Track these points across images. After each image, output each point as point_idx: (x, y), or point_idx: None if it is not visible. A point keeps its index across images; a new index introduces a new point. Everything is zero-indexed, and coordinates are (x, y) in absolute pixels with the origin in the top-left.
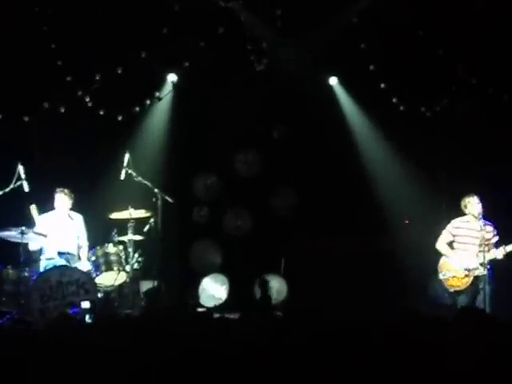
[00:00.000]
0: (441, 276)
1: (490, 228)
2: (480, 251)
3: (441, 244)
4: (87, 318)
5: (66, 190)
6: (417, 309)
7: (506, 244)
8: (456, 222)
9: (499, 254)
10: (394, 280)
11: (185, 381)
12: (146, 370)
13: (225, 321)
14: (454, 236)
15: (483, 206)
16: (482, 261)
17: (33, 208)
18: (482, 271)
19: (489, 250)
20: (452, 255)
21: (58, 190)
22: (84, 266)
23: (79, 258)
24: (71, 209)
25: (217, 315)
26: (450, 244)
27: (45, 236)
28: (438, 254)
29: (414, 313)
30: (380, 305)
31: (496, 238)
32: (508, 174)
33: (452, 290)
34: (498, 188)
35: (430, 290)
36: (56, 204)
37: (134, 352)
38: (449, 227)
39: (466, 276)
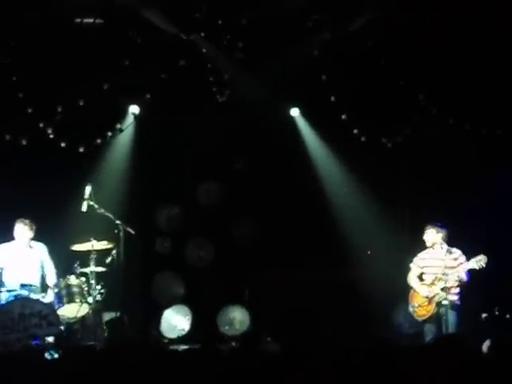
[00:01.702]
0: (410, 308)
1: (455, 254)
2: (439, 278)
3: (411, 278)
4: (51, 352)
5: (26, 221)
6: (388, 337)
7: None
8: (422, 254)
9: (461, 273)
10: (357, 310)
11: None
12: None
13: (188, 353)
14: (421, 268)
15: (448, 234)
16: (442, 286)
17: None
18: (442, 296)
19: (458, 274)
20: (419, 287)
21: (18, 220)
22: (49, 297)
23: (42, 290)
24: (32, 239)
25: (181, 347)
26: (420, 276)
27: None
28: (407, 287)
29: (386, 341)
30: (344, 334)
31: (463, 260)
32: (471, 201)
33: (420, 319)
34: (460, 216)
35: (394, 320)
36: (16, 234)
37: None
38: (415, 260)
39: (429, 304)
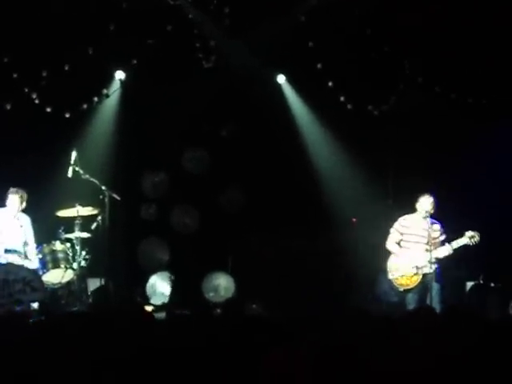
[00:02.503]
0: (390, 276)
1: (436, 227)
2: (427, 250)
3: (390, 243)
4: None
5: (19, 192)
6: (364, 308)
7: (450, 241)
8: (403, 221)
9: (445, 251)
10: (341, 278)
11: (132, 379)
12: (94, 368)
13: (173, 318)
14: (401, 234)
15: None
16: (429, 258)
17: None
18: (429, 269)
19: (435, 248)
20: (401, 254)
21: (11, 189)
22: (33, 264)
23: (26, 257)
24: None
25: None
26: (398, 243)
27: None
28: (387, 253)
29: (362, 312)
30: (327, 302)
31: (443, 237)
32: (455, 171)
33: (401, 288)
34: (446, 185)
35: (376, 289)
36: (7, 203)
37: (81, 350)
38: (396, 225)
39: (416, 274)
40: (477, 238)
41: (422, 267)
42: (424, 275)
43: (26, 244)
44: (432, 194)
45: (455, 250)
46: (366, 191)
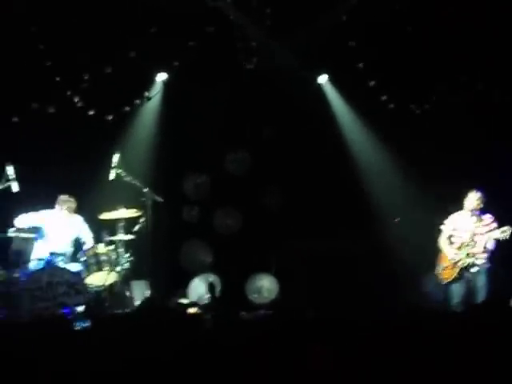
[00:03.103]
0: (436, 270)
1: (486, 221)
2: (467, 243)
3: (442, 240)
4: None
5: (72, 201)
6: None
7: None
8: (453, 216)
9: (489, 242)
10: (387, 278)
11: (177, 379)
12: (138, 369)
13: (216, 320)
14: (452, 230)
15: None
16: (468, 252)
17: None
18: (466, 262)
19: (488, 240)
20: (447, 249)
21: (64, 198)
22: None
23: (72, 260)
24: None
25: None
26: (450, 238)
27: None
28: (435, 251)
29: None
30: (371, 303)
31: (494, 226)
32: (498, 168)
33: (444, 282)
34: (487, 183)
35: (422, 287)
36: (58, 208)
37: (125, 351)
38: (447, 222)
39: (453, 267)
40: (507, 234)
41: (458, 260)
42: (463, 268)
43: (75, 246)
44: (480, 189)
45: (493, 242)
46: (408, 191)
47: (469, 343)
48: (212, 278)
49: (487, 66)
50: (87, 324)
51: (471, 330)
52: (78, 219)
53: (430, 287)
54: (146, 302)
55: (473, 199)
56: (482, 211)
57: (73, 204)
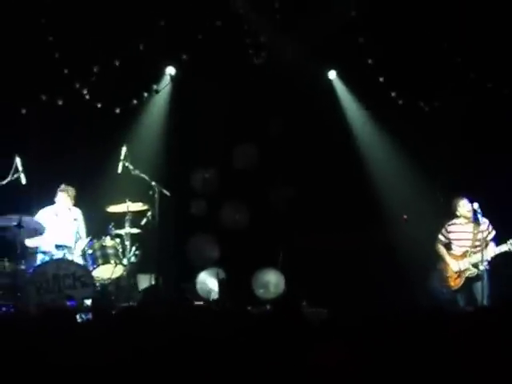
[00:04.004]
0: (442, 275)
1: (483, 227)
2: (470, 252)
3: (439, 248)
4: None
5: (70, 189)
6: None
7: (499, 244)
8: (448, 226)
9: (490, 254)
10: (393, 275)
11: (183, 373)
12: (143, 363)
13: (223, 314)
14: (448, 239)
15: (481, 203)
16: (473, 262)
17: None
18: (473, 272)
19: (486, 247)
20: (447, 257)
21: (62, 187)
22: (77, 253)
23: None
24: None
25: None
26: (448, 245)
27: (41, 234)
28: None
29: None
30: (378, 299)
31: (493, 234)
32: (507, 170)
33: (451, 289)
34: (496, 184)
35: (429, 286)
36: (57, 200)
37: (130, 345)
38: (443, 231)
39: (458, 277)
40: None
41: (464, 270)
42: (468, 278)
43: (78, 239)
44: (468, 198)
45: (497, 256)
46: (417, 188)
47: (473, 343)
48: (220, 272)
49: (498, 63)
50: (89, 317)
51: (477, 330)
52: (78, 212)
53: (435, 285)
54: (149, 293)
55: (466, 206)
56: (476, 214)
57: (72, 192)
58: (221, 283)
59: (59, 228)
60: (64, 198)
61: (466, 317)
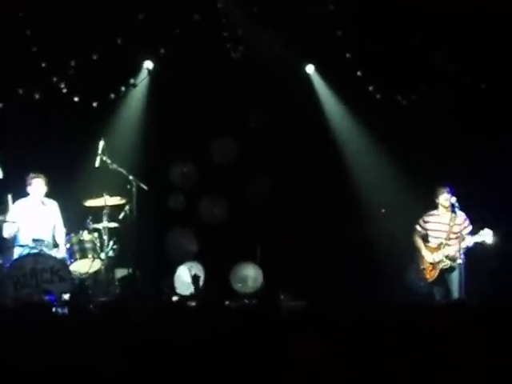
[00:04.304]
0: (420, 266)
1: (460, 219)
2: (445, 244)
3: (416, 239)
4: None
5: (41, 176)
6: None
7: (473, 234)
8: (426, 217)
9: (469, 242)
10: (370, 268)
11: (159, 370)
12: (119, 359)
13: (200, 309)
14: (425, 230)
15: (458, 197)
16: (447, 254)
17: (9, 198)
18: (447, 264)
19: (463, 240)
20: (423, 249)
21: (32, 175)
22: (61, 252)
23: (54, 246)
24: (45, 195)
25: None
26: (426, 236)
27: (13, 222)
28: (413, 248)
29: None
30: (354, 293)
31: (469, 229)
32: (485, 163)
33: (426, 281)
34: (475, 177)
35: (406, 279)
36: (30, 190)
37: (107, 340)
38: (420, 221)
39: (433, 269)
40: (489, 237)
41: (438, 262)
42: (442, 270)
43: (54, 229)
44: (448, 186)
45: (473, 248)
46: (396, 182)
47: (446, 336)
48: (196, 268)
49: (476, 57)
50: (65, 311)
51: (452, 324)
52: (54, 204)
53: (413, 279)
54: (127, 286)
55: (446, 196)
56: (454, 207)
57: (42, 179)
58: (194, 279)
59: (35, 221)
60: (37, 184)
61: (439, 310)
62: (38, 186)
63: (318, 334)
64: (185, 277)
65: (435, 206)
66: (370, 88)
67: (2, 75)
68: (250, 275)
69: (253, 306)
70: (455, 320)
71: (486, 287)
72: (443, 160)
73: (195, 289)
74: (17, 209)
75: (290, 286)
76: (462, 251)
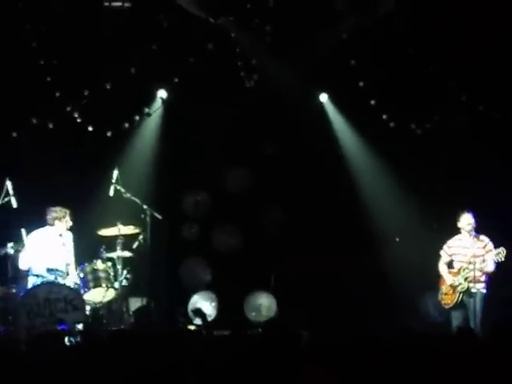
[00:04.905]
0: (439, 295)
1: (481, 243)
2: (465, 268)
3: (440, 265)
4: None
5: (68, 211)
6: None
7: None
8: (450, 241)
9: (487, 263)
10: (385, 298)
11: None
12: None
13: (214, 338)
14: (450, 255)
15: (476, 222)
16: (466, 276)
17: (23, 232)
18: (464, 286)
19: (485, 264)
20: (445, 273)
21: (62, 209)
22: (71, 279)
23: (67, 274)
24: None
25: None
26: (451, 263)
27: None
28: (438, 274)
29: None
30: (371, 322)
31: (492, 252)
32: (498, 189)
33: (446, 307)
34: (489, 204)
35: (421, 308)
36: (54, 222)
37: (120, 369)
38: (444, 247)
39: (453, 292)
40: (502, 255)
41: (458, 285)
42: (462, 293)
43: (68, 263)
44: (470, 211)
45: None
46: (409, 211)
47: (463, 366)
48: (204, 301)
49: (488, 86)
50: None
51: (466, 353)
52: (70, 235)
53: (429, 308)
54: (141, 316)
55: (468, 220)
56: (477, 232)
57: (67, 215)
58: (195, 313)
59: (51, 251)
60: (68, 218)
61: (447, 340)
62: (67, 219)
63: (328, 364)
64: (199, 306)
65: (458, 231)
66: (384, 116)
67: (17, 104)
68: (263, 304)
69: (266, 334)
70: (462, 349)
71: (499, 317)
72: (457, 188)
73: (203, 321)
74: (33, 239)
75: (304, 314)
76: (484, 277)
